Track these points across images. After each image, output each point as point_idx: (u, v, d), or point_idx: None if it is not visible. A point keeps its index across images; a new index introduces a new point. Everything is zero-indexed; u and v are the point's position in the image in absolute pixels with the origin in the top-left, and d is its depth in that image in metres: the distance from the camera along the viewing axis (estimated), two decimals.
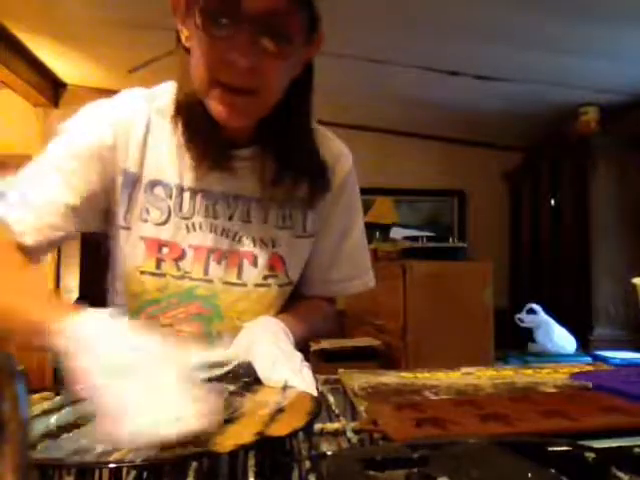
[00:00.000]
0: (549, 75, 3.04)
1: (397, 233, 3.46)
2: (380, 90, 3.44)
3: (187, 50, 0.75)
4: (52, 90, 3.84)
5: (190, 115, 0.77)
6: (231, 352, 0.70)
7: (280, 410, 0.52)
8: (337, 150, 0.92)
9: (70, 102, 3.86)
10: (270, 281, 0.86)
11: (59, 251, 3.75)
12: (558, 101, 3.37)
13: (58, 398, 0.60)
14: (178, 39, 0.76)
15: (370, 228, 4.40)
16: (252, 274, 0.85)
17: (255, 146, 0.82)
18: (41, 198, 0.77)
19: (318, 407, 0.53)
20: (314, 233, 0.90)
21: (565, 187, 3.46)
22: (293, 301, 0.95)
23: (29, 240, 0.75)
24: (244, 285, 0.85)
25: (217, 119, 0.74)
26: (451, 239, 3.33)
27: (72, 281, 3.85)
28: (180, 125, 0.78)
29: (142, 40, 2.84)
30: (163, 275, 0.82)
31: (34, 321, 0.61)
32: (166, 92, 0.81)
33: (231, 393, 0.60)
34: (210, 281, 0.83)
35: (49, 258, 3.64)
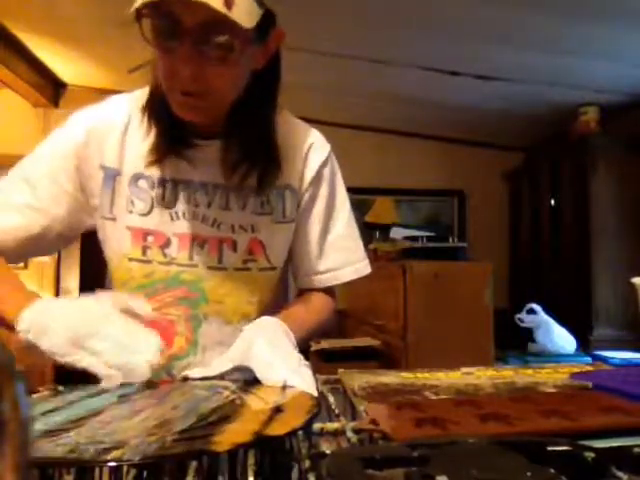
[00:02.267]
0: (549, 75, 3.04)
1: (397, 233, 3.46)
2: (380, 90, 3.44)
3: None
4: (52, 90, 3.84)
5: (154, 107, 0.84)
6: (228, 365, 0.72)
7: (279, 409, 0.52)
8: (311, 140, 0.94)
9: (70, 102, 3.86)
10: (250, 265, 0.89)
11: (59, 251, 3.75)
12: (558, 101, 3.37)
13: (58, 398, 0.60)
14: None
15: (370, 228, 4.44)
16: (232, 258, 0.89)
17: (221, 137, 0.87)
18: (3, 202, 0.85)
19: (317, 406, 0.53)
20: (294, 219, 0.93)
21: (565, 187, 3.47)
22: (295, 297, 0.98)
23: None
24: (225, 269, 0.88)
25: (178, 116, 0.80)
26: (451, 239, 3.33)
27: (72, 281, 3.85)
28: (145, 116, 0.85)
29: (142, 40, 2.84)
30: (149, 262, 0.87)
31: (6, 317, 0.74)
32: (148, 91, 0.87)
33: (231, 392, 0.60)
34: (195, 266, 0.88)
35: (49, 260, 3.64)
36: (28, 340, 0.69)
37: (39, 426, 0.47)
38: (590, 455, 0.40)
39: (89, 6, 2.68)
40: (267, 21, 0.77)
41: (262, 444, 0.42)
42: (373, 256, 3.04)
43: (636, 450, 0.43)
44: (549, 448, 0.41)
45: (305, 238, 0.95)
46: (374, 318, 3.00)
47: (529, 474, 0.36)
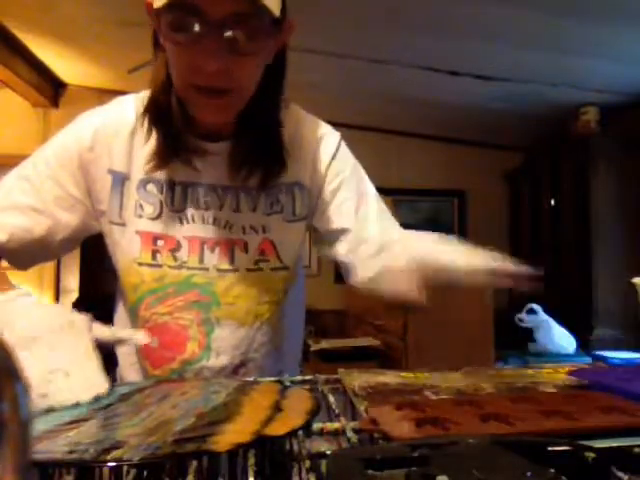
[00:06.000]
0: (549, 75, 3.04)
1: None
2: (380, 90, 3.43)
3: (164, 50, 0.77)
4: (52, 90, 3.84)
5: (155, 111, 0.81)
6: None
7: (279, 409, 0.52)
8: (319, 133, 0.92)
9: (70, 102, 3.86)
10: (262, 265, 0.88)
11: None
12: (558, 101, 3.37)
13: None
14: (155, 39, 0.79)
15: None
16: (243, 259, 0.87)
17: (231, 138, 0.85)
18: (7, 203, 0.83)
19: (317, 406, 0.53)
20: (305, 216, 0.91)
21: (565, 187, 3.46)
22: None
23: None
24: (236, 270, 0.87)
25: (198, 118, 0.79)
26: None
27: (72, 281, 3.84)
28: (146, 120, 0.82)
29: (142, 40, 2.83)
30: (160, 266, 0.85)
31: None
32: None
33: (230, 392, 0.60)
34: (206, 269, 0.86)
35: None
36: None
37: (39, 426, 0.47)
38: (590, 455, 0.40)
39: (89, 6, 2.68)
40: (283, 12, 0.74)
41: (262, 444, 0.42)
42: None
43: (636, 450, 0.43)
44: (549, 448, 0.41)
45: (349, 227, 0.91)
46: (374, 318, 3.00)
47: (529, 474, 0.36)
